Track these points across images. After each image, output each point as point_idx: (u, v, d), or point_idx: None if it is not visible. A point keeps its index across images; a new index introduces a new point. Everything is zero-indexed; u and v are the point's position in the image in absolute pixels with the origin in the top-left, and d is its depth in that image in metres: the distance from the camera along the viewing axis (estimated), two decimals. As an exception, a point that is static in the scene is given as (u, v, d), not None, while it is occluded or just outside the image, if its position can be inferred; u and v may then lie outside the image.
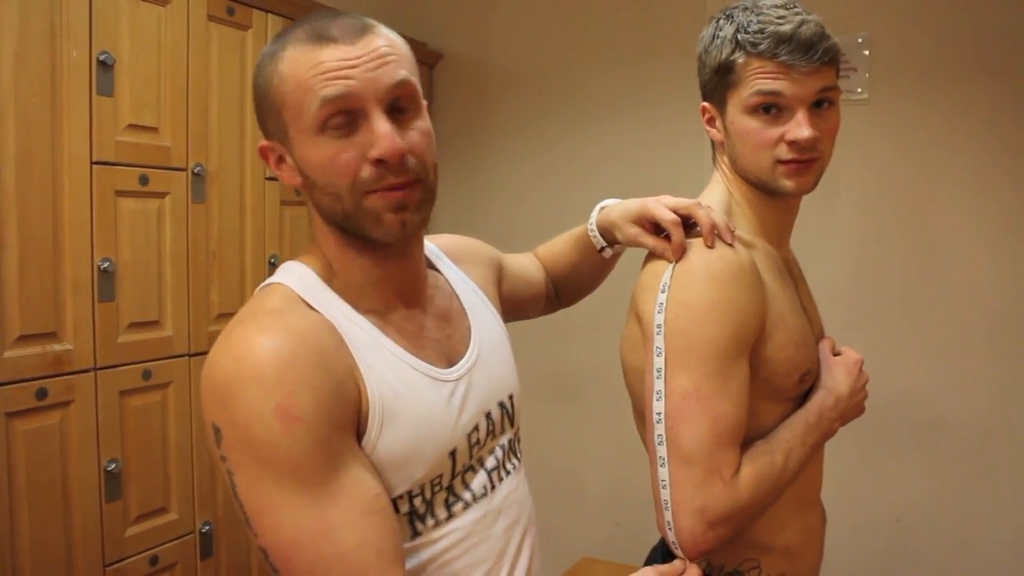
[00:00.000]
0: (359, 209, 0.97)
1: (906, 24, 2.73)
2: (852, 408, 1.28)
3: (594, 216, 1.43)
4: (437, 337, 1.09)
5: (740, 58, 1.21)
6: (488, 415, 1.11)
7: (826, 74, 1.21)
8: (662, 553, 1.34)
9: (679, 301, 1.15)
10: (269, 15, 2.48)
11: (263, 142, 1.03)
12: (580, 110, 3.24)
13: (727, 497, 1.12)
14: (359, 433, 0.95)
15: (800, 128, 1.19)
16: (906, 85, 2.74)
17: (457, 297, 1.18)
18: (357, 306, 1.02)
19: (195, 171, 2.24)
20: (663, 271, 1.19)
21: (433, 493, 1.02)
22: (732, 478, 1.12)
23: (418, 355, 1.03)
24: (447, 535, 1.03)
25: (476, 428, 1.08)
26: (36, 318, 1.86)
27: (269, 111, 0.99)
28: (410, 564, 0.99)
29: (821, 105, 1.22)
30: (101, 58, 1.97)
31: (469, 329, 1.15)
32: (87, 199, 1.96)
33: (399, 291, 1.06)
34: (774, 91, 1.19)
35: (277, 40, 0.99)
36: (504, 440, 1.15)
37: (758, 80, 1.20)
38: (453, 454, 1.03)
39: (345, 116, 0.94)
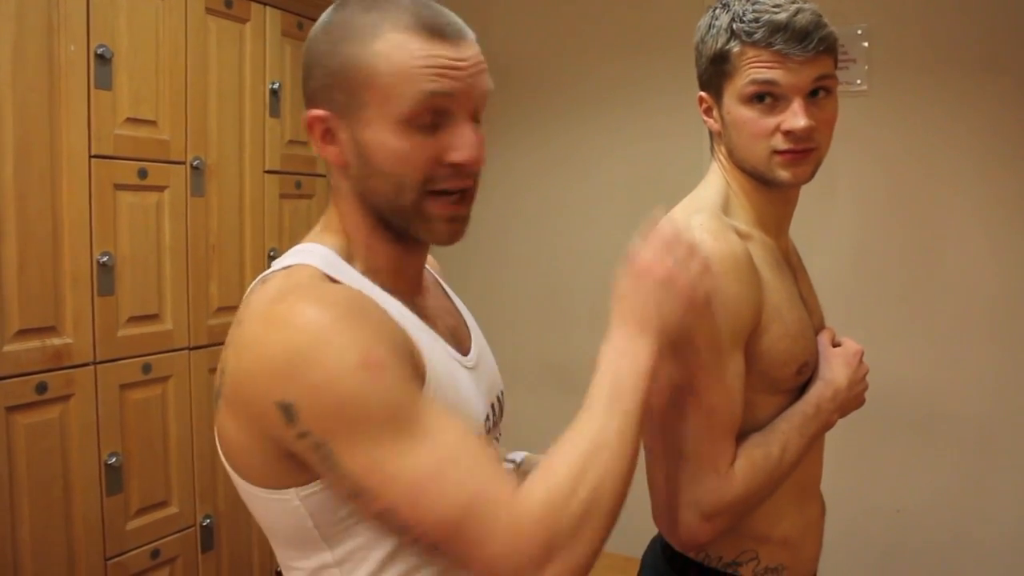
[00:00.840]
0: (416, 207, 0.94)
1: (905, 15, 2.72)
2: (851, 400, 1.27)
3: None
4: (451, 326, 1.09)
5: (736, 47, 1.20)
6: (493, 407, 1.10)
7: (823, 63, 1.20)
8: (661, 545, 1.34)
9: None
10: (267, 8, 2.48)
11: (314, 111, 0.96)
12: (578, 103, 3.23)
13: (722, 489, 1.12)
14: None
15: (796, 118, 1.18)
16: (905, 76, 2.73)
17: (447, 294, 1.18)
18: (382, 287, 0.99)
19: (194, 164, 2.24)
20: None
21: None
22: (727, 470, 1.12)
23: (446, 339, 1.03)
24: None
25: (487, 417, 1.07)
26: (36, 312, 1.87)
27: (344, 84, 0.94)
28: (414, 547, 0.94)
29: (817, 94, 1.21)
30: (99, 52, 1.97)
31: (466, 324, 1.14)
32: (86, 193, 1.96)
33: (409, 281, 1.05)
34: (769, 80, 1.18)
35: (371, 12, 0.93)
36: (496, 437, 1.13)
37: (753, 69, 1.19)
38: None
39: (436, 115, 0.92)
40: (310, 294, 0.88)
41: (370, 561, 0.93)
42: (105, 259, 2.00)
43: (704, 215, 1.22)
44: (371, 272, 1.00)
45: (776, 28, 1.16)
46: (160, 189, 2.16)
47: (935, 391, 2.75)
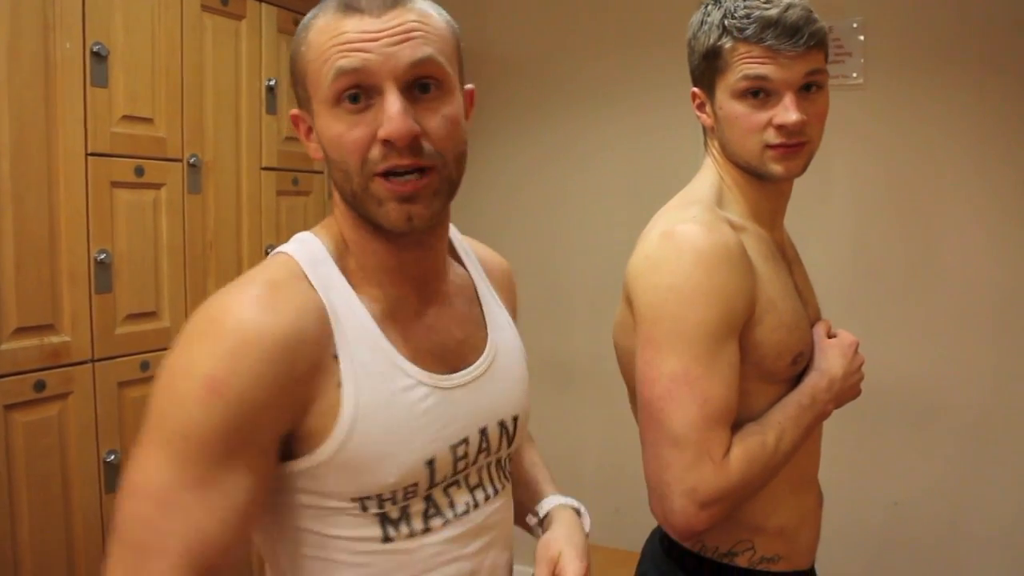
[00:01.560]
0: (365, 192, 0.91)
1: (901, 9, 2.72)
2: (847, 390, 1.28)
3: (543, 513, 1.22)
4: (444, 340, 1.03)
5: (727, 43, 1.22)
6: (484, 431, 1.04)
7: (813, 57, 1.21)
8: (659, 536, 1.35)
9: (667, 285, 1.16)
10: (263, 4, 2.48)
11: (293, 111, 0.99)
12: (576, 97, 3.23)
13: (717, 478, 1.13)
14: (312, 431, 0.90)
15: (788, 112, 1.19)
16: (901, 70, 2.73)
17: (479, 304, 1.12)
18: (361, 291, 0.97)
19: (191, 162, 2.24)
20: (654, 254, 1.20)
21: (407, 500, 0.96)
22: (722, 459, 1.13)
23: (413, 356, 0.98)
24: (420, 548, 0.98)
25: (465, 441, 1.01)
26: (33, 310, 1.87)
27: (297, 79, 0.96)
28: (371, 570, 0.96)
29: (809, 89, 1.23)
30: (95, 49, 1.97)
31: (485, 339, 1.09)
32: (83, 191, 1.96)
33: (414, 283, 1.01)
34: (761, 75, 1.20)
35: (316, 7, 0.95)
36: (496, 460, 1.08)
37: (745, 65, 1.21)
38: (431, 463, 0.96)
39: (361, 91, 0.89)
40: (251, 294, 0.89)
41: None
42: (102, 257, 2.00)
43: (698, 208, 1.24)
44: (361, 270, 0.99)
45: (767, 24, 1.18)
46: (157, 187, 2.16)
47: (932, 384, 2.75)
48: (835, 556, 2.25)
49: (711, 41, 1.24)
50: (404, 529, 0.96)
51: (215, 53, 2.32)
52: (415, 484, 0.95)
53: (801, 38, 1.18)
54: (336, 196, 0.98)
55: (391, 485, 0.93)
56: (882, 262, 2.81)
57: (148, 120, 2.13)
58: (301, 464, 0.91)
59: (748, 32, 1.19)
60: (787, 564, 1.29)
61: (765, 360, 1.22)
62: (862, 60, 2.77)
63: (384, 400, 0.93)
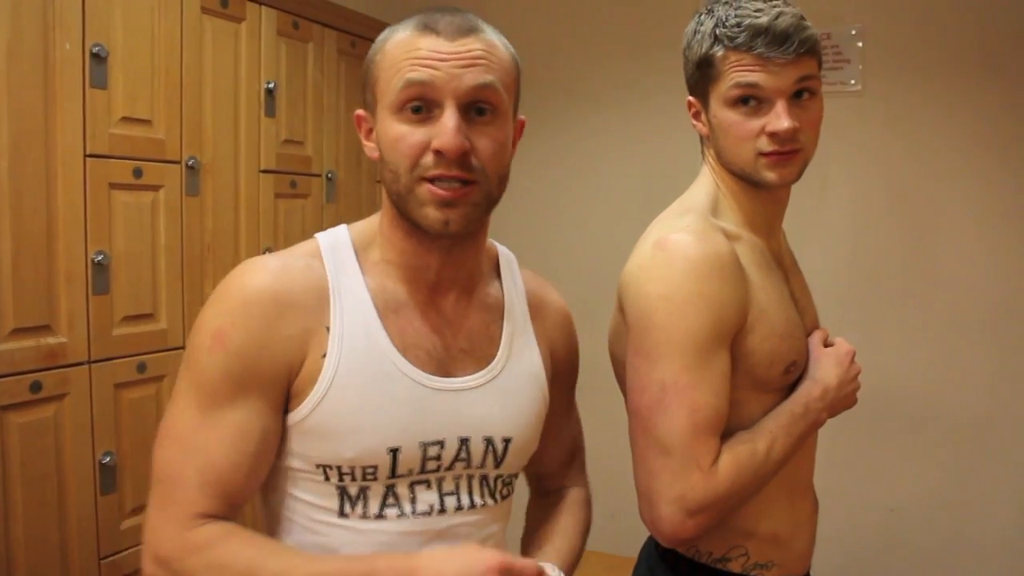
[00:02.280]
0: (411, 193, 1.00)
1: (900, 16, 2.73)
2: (842, 399, 1.28)
3: None
4: (446, 344, 1.08)
5: (719, 52, 1.23)
6: (465, 441, 1.07)
7: (805, 64, 1.22)
8: (655, 543, 1.35)
9: (659, 293, 1.16)
10: (263, 7, 2.48)
11: (359, 111, 1.10)
12: (576, 103, 3.24)
13: (705, 486, 1.13)
14: (297, 390, 1.01)
15: (780, 119, 1.20)
16: (899, 77, 2.74)
17: (502, 322, 1.15)
18: (373, 280, 1.06)
19: (189, 164, 2.24)
20: (647, 262, 1.20)
21: (367, 481, 1.02)
22: (711, 467, 1.14)
23: (403, 349, 1.04)
24: (372, 532, 1.03)
25: (440, 444, 1.04)
26: (30, 311, 1.86)
27: (367, 83, 1.06)
28: (323, 539, 1.04)
29: (801, 96, 1.23)
30: (94, 50, 1.97)
31: (493, 357, 1.12)
32: (81, 192, 1.96)
33: (431, 284, 1.08)
34: (752, 83, 1.21)
35: (398, 23, 1.05)
36: (480, 475, 1.10)
37: (736, 73, 1.22)
38: (395, 452, 1.01)
39: (424, 103, 0.99)
40: (265, 264, 1.03)
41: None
42: (100, 258, 2.00)
43: (692, 216, 1.24)
44: (385, 261, 1.08)
45: (757, 32, 1.19)
46: (155, 188, 2.16)
47: (928, 389, 2.76)
48: (831, 562, 2.25)
49: (703, 50, 1.25)
50: (360, 508, 1.03)
51: (214, 55, 2.32)
52: (374, 467, 1.02)
53: (791, 45, 1.19)
54: (384, 194, 1.07)
55: (349, 460, 1.01)
56: (880, 268, 2.81)
57: (147, 122, 2.13)
58: (290, 419, 1.02)
59: (739, 40, 1.20)
60: (781, 570, 1.29)
61: (757, 369, 1.22)
62: (860, 67, 2.77)
63: (361, 379, 1.01)
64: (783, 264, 1.37)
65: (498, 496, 1.13)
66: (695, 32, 1.28)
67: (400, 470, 1.02)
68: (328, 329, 1.01)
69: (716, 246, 1.19)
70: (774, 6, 1.21)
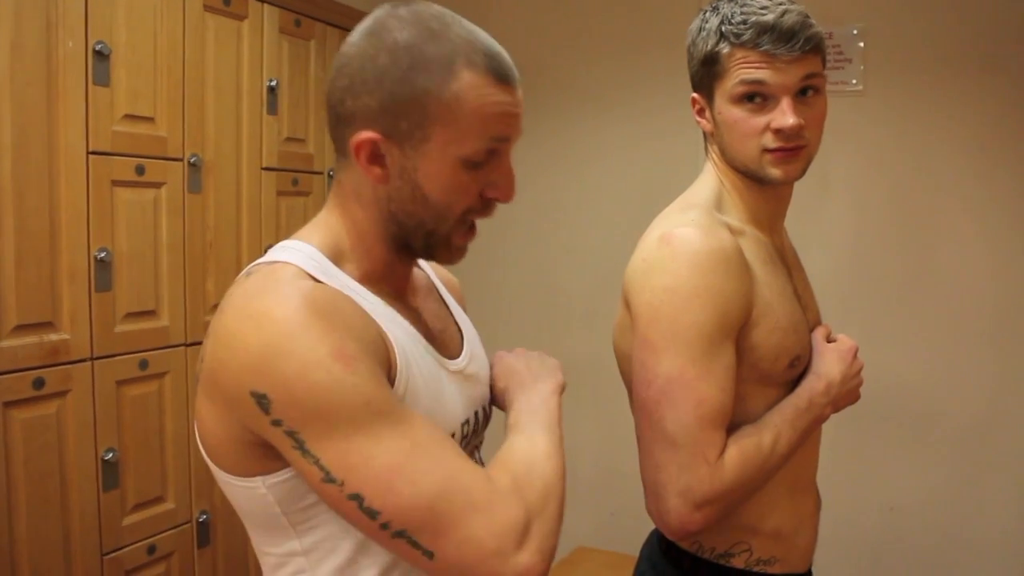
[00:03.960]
0: (448, 235, 1.01)
1: (901, 16, 2.73)
2: (845, 394, 1.29)
3: None
4: (434, 331, 1.10)
5: (725, 49, 1.24)
6: (477, 414, 1.12)
7: (810, 62, 1.23)
8: (657, 537, 1.36)
9: (664, 287, 1.18)
10: (265, 5, 2.48)
11: (367, 134, 0.96)
12: (576, 102, 3.24)
13: (712, 479, 1.14)
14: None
15: (785, 116, 1.21)
16: (901, 77, 2.74)
17: (444, 300, 1.20)
18: (368, 287, 1.02)
19: (191, 161, 2.24)
20: (652, 257, 1.21)
21: None
22: (717, 460, 1.14)
23: (428, 339, 1.05)
24: None
25: (468, 422, 1.09)
26: (33, 308, 1.87)
27: (411, 115, 0.95)
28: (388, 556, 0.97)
29: (806, 93, 1.24)
30: (97, 48, 1.97)
31: (459, 332, 1.17)
32: (83, 189, 1.96)
33: (400, 282, 1.09)
34: (758, 80, 1.21)
35: (439, 42, 0.96)
36: (477, 443, 1.16)
37: (742, 70, 1.22)
38: (453, 436, 1.04)
39: (488, 155, 0.98)
40: (286, 291, 0.90)
41: (338, 553, 0.96)
42: (102, 255, 2.00)
43: (696, 211, 1.25)
44: (363, 271, 1.03)
45: (763, 29, 1.20)
46: (157, 186, 2.16)
47: (929, 389, 2.76)
48: (831, 561, 2.25)
49: (709, 47, 1.26)
50: None
51: (217, 53, 2.32)
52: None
53: (797, 42, 1.20)
54: (367, 207, 1.02)
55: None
56: (881, 268, 2.82)
57: (149, 119, 2.13)
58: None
59: (745, 37, 1.21)
60: (783, 567, 1.30)
61: (762, 362, 1.23)
62: (862, 67, 2.77)
63: (420, 374, 0.99)
64: (786, 260, 1.38)
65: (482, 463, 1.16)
66: (700, 29, 1.28)
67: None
68: (381, 327, 0.95)
69: (721, 240, 1.19)
70: (779, 3, 1.22)
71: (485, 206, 1.01)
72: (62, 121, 1.91)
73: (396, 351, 0.96)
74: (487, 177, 0.99)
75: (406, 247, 1.03)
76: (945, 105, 2.70)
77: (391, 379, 0.94)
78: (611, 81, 3.17)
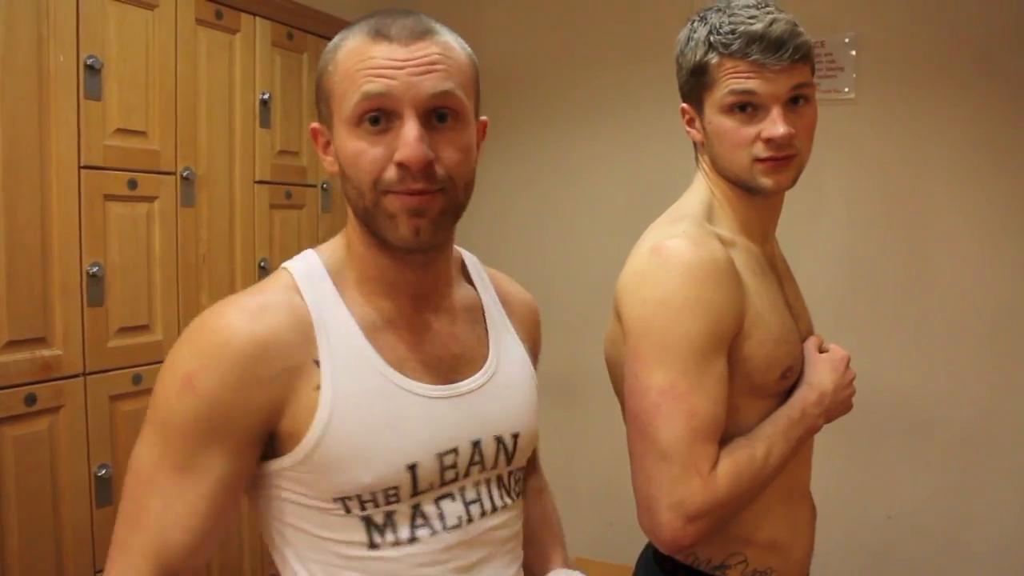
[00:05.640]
0: (377, 207, 0.97)
1: (893, 24, 2.74)
2: (838, 404, 1.29)
3: None
4: (439, 353, 1.07)
5: (714, 59, 1.23)
6: (477, 443, 1.06)
7: (799, 71, 1.22)
8: (653, 548, 1.35)
9: (655, 299, 1.17)
10: (257, 19, 2.48)
11: (313, 124, 1.06)
12: (570, 112, 3.24)
13: (705, 491, 1.13)
14: (290, 431, 0.96)
15: (775, 126, 1.20)
16: (893, 84, 2.75)
17: (484, 322, 1.15)
18: (353, 303, 1.02)
19: (184, 175, 2.24)
20: (643, 268, 1.21)
21: (390, 505, 0.99)
22: (710, 472, 1.14)
23: (399, 365, 1.02)
24: (407, 557, 1.00)
25: (455, 451, 1.03)
26: (25, 323, 1.86)
27: (320, 96, 1.02)
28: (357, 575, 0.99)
29: (796, 102, 1.24)
30: (88, 62, 1.96)
31: (486, 357, 1.11)
32: (75, 203, 1.95)
33: (412, 298, 1.06)
34: (747, 90, 1.21)
35: (347, 29, 1.01)
36: (496, 476, 1.10)
37: (732, 80, 1.22)
38: (413, 468, 0.99)
39: (382, 114, 0.95)
40: (239, 304, 0.98)
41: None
42: (95, 270, 1.99)
43: (687, 222, 1.25)
44: (361, 282, 1.04)
45: (752, 39, 1.20)
46: (150, 200, 2.15)
47: (925, 397, 2.76)
48: (829, 570, 2.24)
49: (698, 57, 1.26)
50: (390, 536, 0.99)
51: (209, 66, 2.32)
52: (396, 488, 0.99)
53: (786, 52, 1.19)
54: (350, 211, 1.03)
55: (368, 486, 0.97)
56: (875, 275, 2.82)
57: (141, 133, 2.12)
58: (283, 462, 0.97)
59: (733, 47, 1.21)
60: None
61: (754, 374, 1.22)
62: (854, 75, 2.78)
63: (362, 403, 0.98)
64: (777, 270, 1.38)
65: (514, 493, 1.13)
66: (688, 39, 1.28)
67: (421, 486, 1.00)
68: (317, 362, 0.97)
69: (712, 251, 1.19)
70: (768, 12, 1.21)
71: (402, 174, 0.94)
72: (54, 135, 1.90)
73: (323, 388, 0.97)
74: (395, 142, 0.94)
75: (380, 239, 1.00)
76: (937, 112, 2.71)
77: (283, 425, 0.96)
78: (605, 91, 3.17)
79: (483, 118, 1.08)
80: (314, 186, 2.72)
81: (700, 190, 1.34)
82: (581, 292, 3.20)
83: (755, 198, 1.30)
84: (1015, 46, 2.60)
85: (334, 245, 1.08)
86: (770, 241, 1.39)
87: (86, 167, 1.98)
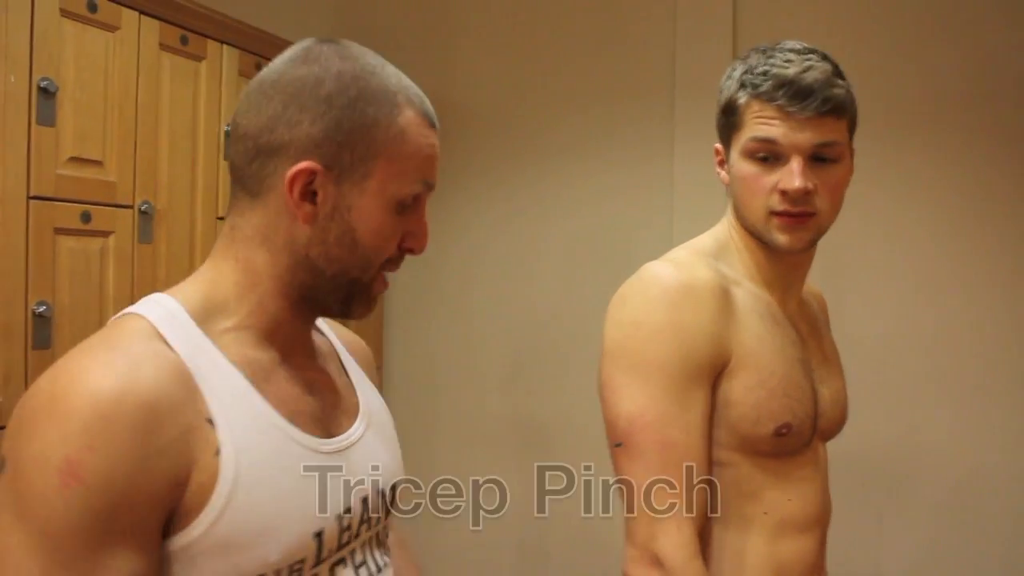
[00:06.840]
0: (370, 282, 0.96)
1: (882, 72, 2.75)
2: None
3: None
4: (321, 404, 0.99)
5: (742, 99, 1.22)
6: (365, 500, 1.00)
7: (830, 126, 1.18)
8: None
9: (629, 320, 1.16)
10: (225, 46, 2.40)
11: (307, 164, 0.90)
12: (544, 153, 3.23)
13: (676, 538, 1.09)
14: (189, 506, 0.82)
15: (792, 177, 1.17)
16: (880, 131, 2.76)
17: (345, 372, 1.10)
18: (229, 351, 0.90)
19: (142, 209, 2.14)
20: (624, 291, 1.21)
21: None
22: (683, 517, 1.10)
23: (292, 419, 0.92)
24: None
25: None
26: (-39, 368, 1.72)
27: (356, 144, 0.91)
28: None
29: (825, 160, 1.20)
30: (42, 84, 1.85)
31: (357, 405, 1.06)
32: (23, 237, 1.84)
33: (294, 345, 0.98)
34: (769, 138, 1.18)
35: (381, 76, 0.94)
36: (376, 532, 1.05)
37: (756, 125, 1.20)
38: (320, 536, 0.91)
39: (416, 201, 0.96)
40: (101, 359, 0.82)
41: None
42: (42, 309, 1.87)
43: (685, 251, 1.25)
44: (236, 330, 0.92)
45: (781, 83, 1.17)
46: (105, 234, 2.04)
47: (911, 456, 2.75)
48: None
49: (729, 94, 1.24)
50: None
51: (172, 94, 2.23)
52: (302, 560, 0.89)
53: (814, 101, 1.16)
54: (273, 254, 0.94)
55: (274, 563, 0.86)
56: (859, 329, 2.80)
57: (97, 163, 2.02)
58: (174, 543, 0.82)
59: (762, 89, 1.18)
60: None
61: (742, 424, 1.16)
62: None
63: (265, 466, 0.87)
64: (798, 326, 1.32)
65: (386, 548, 1.08)
66: (728, 77, 1.27)
67: (324, 554, 0.93)
68: (211, 421, 0.84)
69: (693, 276, 1.17)
70: (807, 59, 1.18)
71: (400, 256, 0.98)
72: (1, 163, 1.79)
73: (223, 450, 0.83)
74: (408, 225, 0.96)
75: (311, 301, 0.96)
76: (939, 162, 2.75)
77: (189, 496, 0.81)
78: (581, 133, 3.17)
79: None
80: (279, 223, 2.62)
81: (719, 230, 1.32)
82: (555, 338, 3.16)
83: (773, 251, 1.26)
84: (1007, 95, 2.63)
85: (197, 288, 0.95)
86: (793, 295, 1.34)
87: (35, 198, 1.86)
